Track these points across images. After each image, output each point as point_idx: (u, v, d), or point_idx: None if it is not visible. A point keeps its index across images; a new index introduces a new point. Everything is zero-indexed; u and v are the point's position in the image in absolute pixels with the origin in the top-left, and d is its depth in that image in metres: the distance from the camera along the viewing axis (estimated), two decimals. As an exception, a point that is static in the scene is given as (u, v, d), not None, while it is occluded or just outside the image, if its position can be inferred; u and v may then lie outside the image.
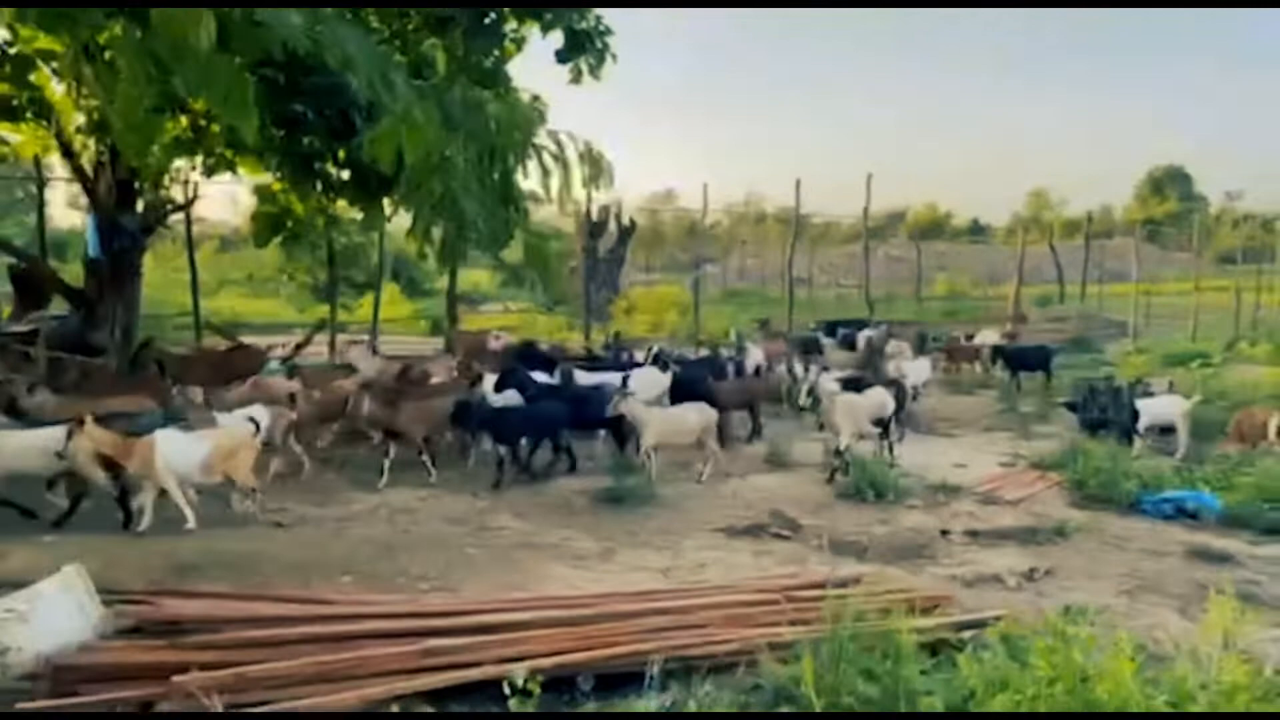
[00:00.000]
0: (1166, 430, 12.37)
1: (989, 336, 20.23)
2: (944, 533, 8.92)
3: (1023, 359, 17.56)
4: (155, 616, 5.49)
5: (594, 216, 32.80)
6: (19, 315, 14.14)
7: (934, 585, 7.25)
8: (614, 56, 15.36)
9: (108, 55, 8.20)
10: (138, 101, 6.10)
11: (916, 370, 15.87)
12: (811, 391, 11.60)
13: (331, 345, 17.04)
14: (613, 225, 33.91)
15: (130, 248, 12.67)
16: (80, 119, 12.53)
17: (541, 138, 7.91)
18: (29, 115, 11.96)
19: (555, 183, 8.78)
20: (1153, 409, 12.41)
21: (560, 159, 7.58)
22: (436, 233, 6.72)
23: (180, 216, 16.04)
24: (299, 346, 16.69)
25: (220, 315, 24.07)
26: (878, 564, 7.86)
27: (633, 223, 35.05)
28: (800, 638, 5.58)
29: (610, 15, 15.18)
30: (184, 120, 10.88)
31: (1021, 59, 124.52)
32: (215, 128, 10.68)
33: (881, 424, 11.56)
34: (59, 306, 14.47)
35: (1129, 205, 71.11)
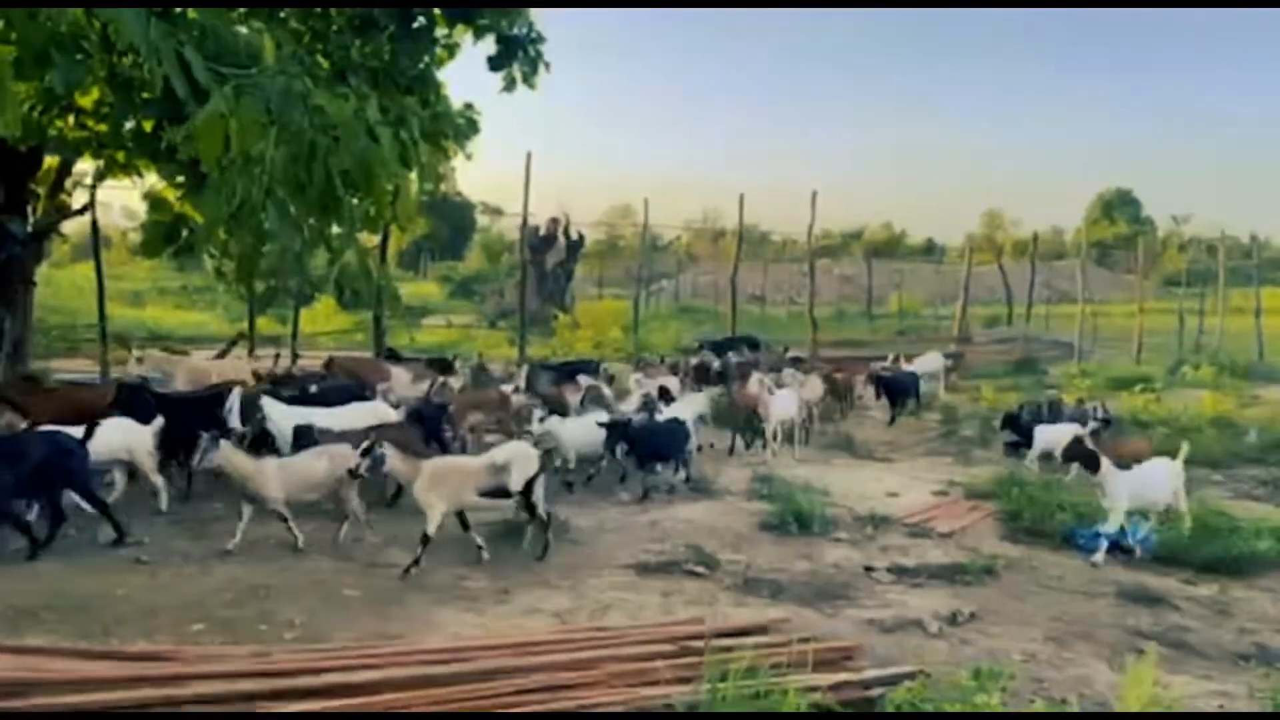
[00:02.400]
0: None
1: (928, 362, 19.28)
2: (868, 570, 8.41)
3: (896, 386, 16.71)
4: (-55, 680, 4.80)
5: (541, 230, 32.30)
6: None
7: (847, 632, 6.73)
8: (547, 65, 14.89)
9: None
10: None
11: (782, 400, 13.37)
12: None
13: (251, 357, 16.23)
14: (561, 239, 33.40)
15: (20, 255, 11.85)
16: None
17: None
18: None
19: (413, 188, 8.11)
20: (1048, 435, 11.98)
21: (408, 164, 6.99)
22: (233, 244, 6.12)
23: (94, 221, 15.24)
24: (219, 357, 15.89)
25: (145, 327, 23.18)
26: (793, 605, 7.33)
27: (581, 236, 34.56)
28: (686, 697, 5.05)
29: (573, 22, 14.71)
30: (71, 119, 10.16)
31: (989, 76, 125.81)
32: (104, 126, 9.96)
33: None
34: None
35: (1079, 228, 72.04)
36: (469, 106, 15.45)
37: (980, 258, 36.47)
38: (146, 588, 7.08)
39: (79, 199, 13.59)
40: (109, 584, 7.04)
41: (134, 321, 23.48)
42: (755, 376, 14.09)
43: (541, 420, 10.54)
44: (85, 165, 13.09)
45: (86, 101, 9.97)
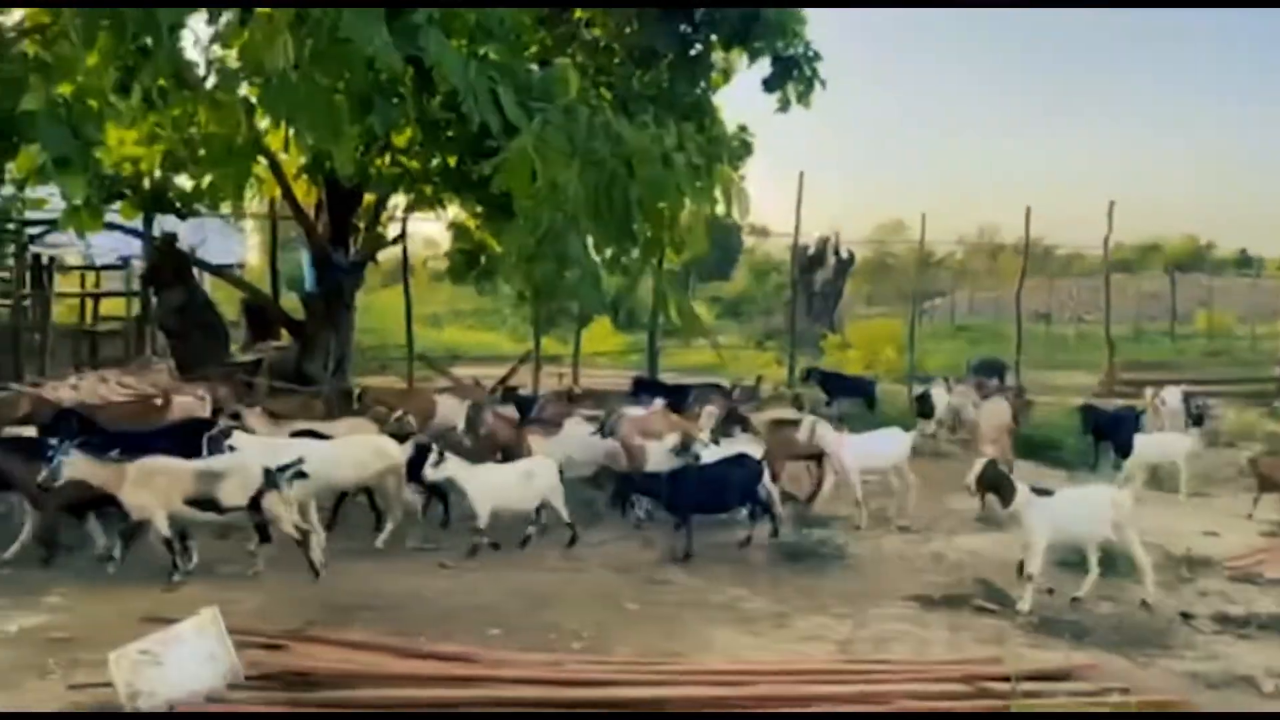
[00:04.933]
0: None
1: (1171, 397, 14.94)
2: (1185, 616, 7.59)
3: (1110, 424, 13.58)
4: (286, 667, 5.34)
5: (810, 249, 32.00)
6: (248, 346, 15.13)
7: (1166, 685, 6.09)
8: (823, 83, 14.76)
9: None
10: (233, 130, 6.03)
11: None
12: None
13: (535, 379, 17.16)
14: (830, 258, 32.93)
15: (342, 282, 13.19)
16: (302, 161, 13.20)
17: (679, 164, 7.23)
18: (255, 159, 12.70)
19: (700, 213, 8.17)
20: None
21: (703, 188, 7.03)
22: (536, 270, 6.36)
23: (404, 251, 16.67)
24: (504, 379, 16.93)
25: (442, 347, 25.07)
26: (1098, 651, 6.72)
27: (850, 255, 33.90)
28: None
29: (823, 42, 14.57)
30: (388, 157, 11.19)
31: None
32: (415, 163, 10.91)
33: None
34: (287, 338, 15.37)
35: None
36: (743, 129, 15.58)
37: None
38: (448, 591, 7.59)
39: (390, 231, 14.94)
40: (416, 586, 7.60)
41: (434, 342, 25.41)
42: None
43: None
44: (396, 199, 14.43)
45: (400, 140, 10.95)
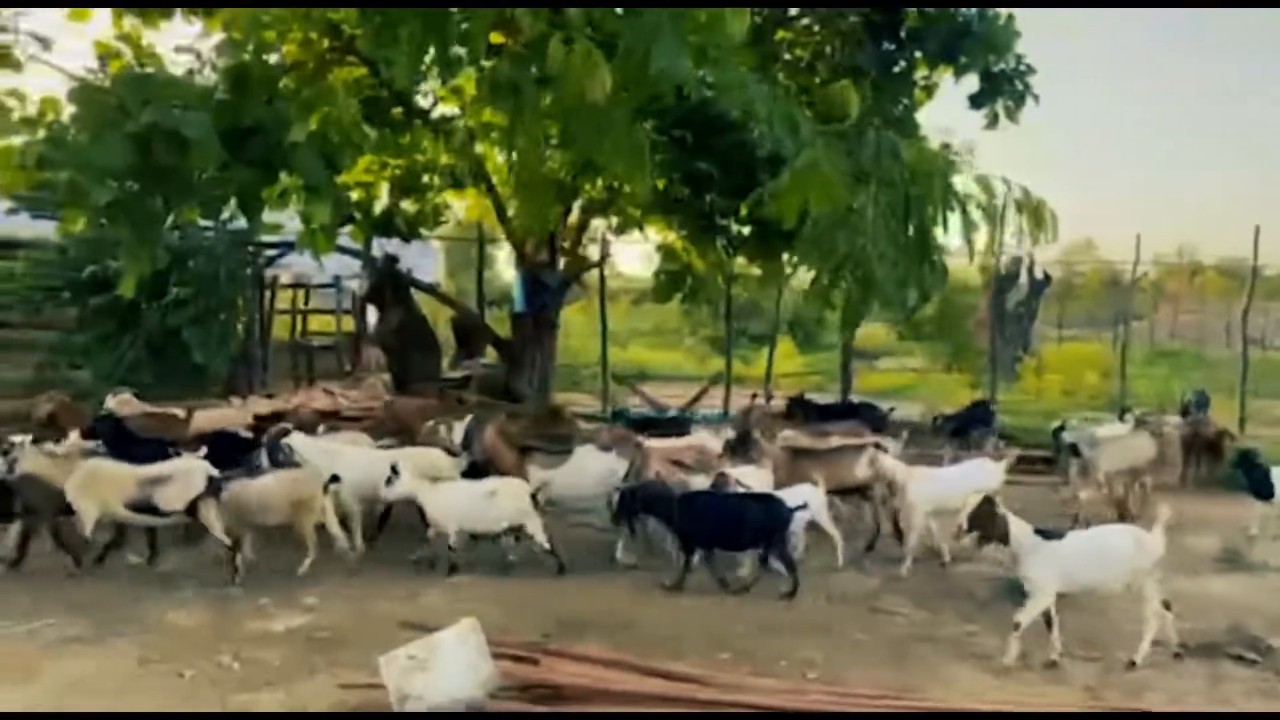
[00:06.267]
0: None
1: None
2: None
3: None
4: (539, 679, 5.47)
5: (1002, 269, 30.78)
6: (457, 363, 15.79)
7: None
8: (1035, 98, 14.26)
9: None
10: (538, 163, 6.29)
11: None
12: None
13: (726, 399, 17.19)
14: (1024, 277, 31.58)
15: (549, 302, 13.60)
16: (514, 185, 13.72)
17: (967, 184, 7.06)
18: (472, 183, 13.30)
19: (981, 235, 7.87)
20: None
21: (988, 208, 6.76)
22: (838, 294, 6.21)
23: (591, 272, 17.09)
24: (695, 399, 17.03)
25: (627, 366, 25.48)
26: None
27: (1046, 276, 32.41)
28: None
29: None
30: (599, 182, 11.47)
31: None
32: (627, 188, 11.14)
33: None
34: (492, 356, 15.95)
35: None
36: (946, 146, 15.18)
37: None
38: (672, 610, 7.64)
39: (592, 253, 15.33)
40: (639, 606, 7.68)
41: (620, 360, 25.89)
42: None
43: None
44: (597, 221, 14.79)
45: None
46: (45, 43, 7.49)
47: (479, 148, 12.62)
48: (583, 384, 19.34)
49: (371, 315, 16.32)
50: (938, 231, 6.24)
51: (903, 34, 13.75)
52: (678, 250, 12.20)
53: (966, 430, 13.54)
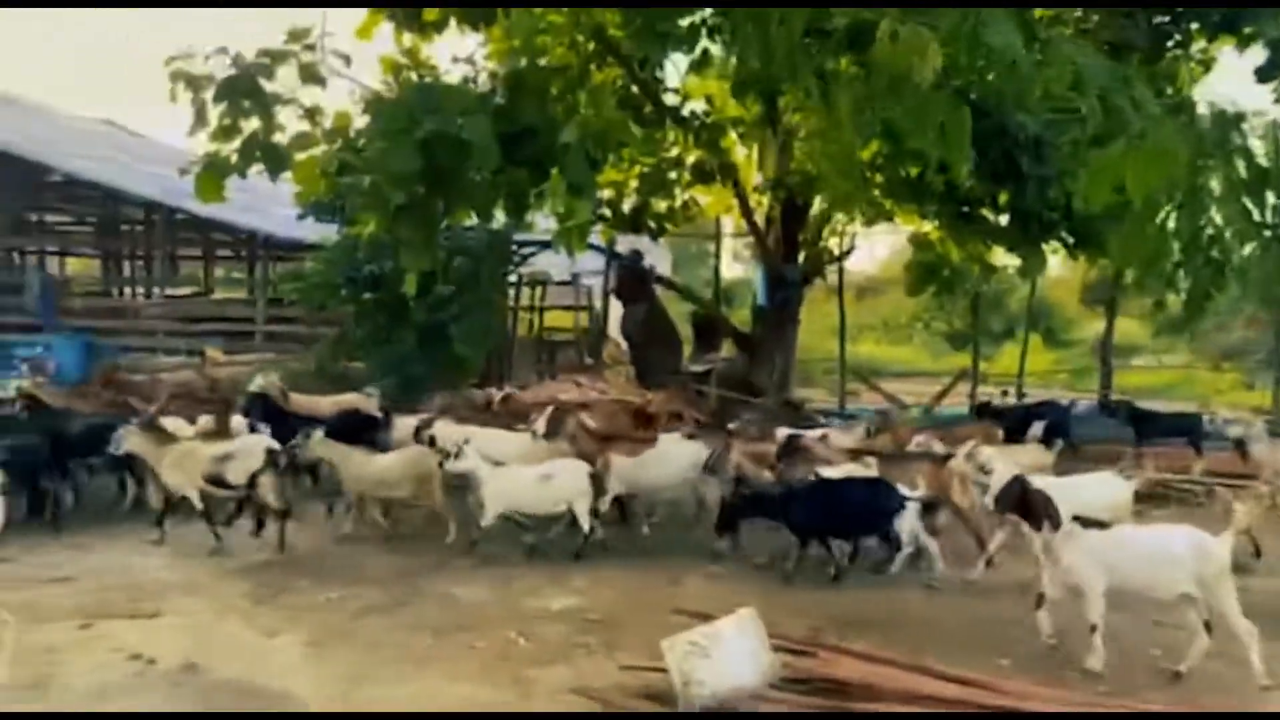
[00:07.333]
0: None
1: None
2: None
3: None
4: (820, 673, 5.44)
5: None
6: (697, 356, 15.98)
7: None
8: (1331, 68, 12.79)
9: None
10: (851, 147, 6.16)
11: None
12: None
13: (972, 396, 16.50)
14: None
15: (791, 297, 13.52)
16: (758, 179, 13.72)
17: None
18: (717, 178, 13.41)
19: None
20: None
21: None
22: (1180, 278, 5.71)
23: (833, 266, 16.86)
24: (940, 395, 16.45)
25: (863, 362, 24.99)
26: None
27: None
28: None
29: None
30: (911, 170, 11.15)
31: None
32: (879, 177, 10.87)
33: None
34: (730, 349, 16.05)
35: None
36: (1241, 118, 13.87)
37: None
38: (940, 611, 7.43)
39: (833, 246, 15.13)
40: (906, 606, 7.51)
41: (852, 355, 25.41)
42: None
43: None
44: (839, 214, 14.53)
45: (865, 154, 10.96)
46: (346, 59, 8.12)
47: (725, 143, 12.73)
48: (815, 379, 19.10)
49: (615, 310, 16.79)
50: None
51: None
52: (934, 242, 11.81)
53: None
